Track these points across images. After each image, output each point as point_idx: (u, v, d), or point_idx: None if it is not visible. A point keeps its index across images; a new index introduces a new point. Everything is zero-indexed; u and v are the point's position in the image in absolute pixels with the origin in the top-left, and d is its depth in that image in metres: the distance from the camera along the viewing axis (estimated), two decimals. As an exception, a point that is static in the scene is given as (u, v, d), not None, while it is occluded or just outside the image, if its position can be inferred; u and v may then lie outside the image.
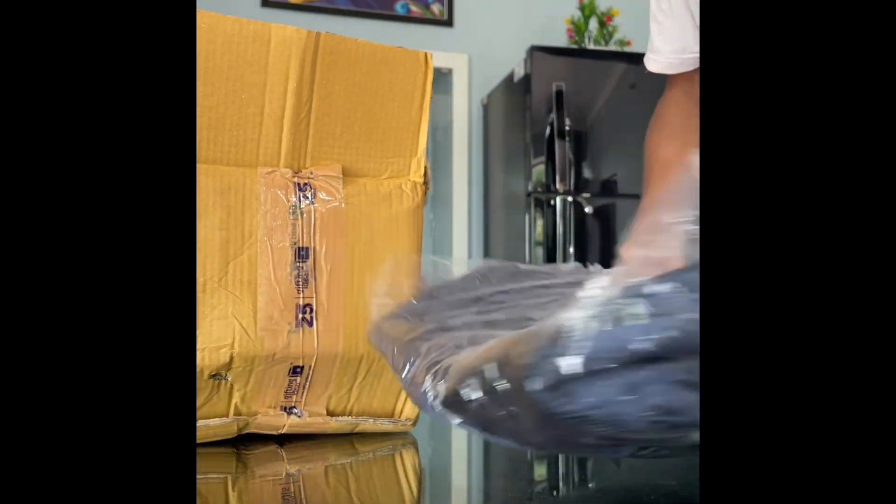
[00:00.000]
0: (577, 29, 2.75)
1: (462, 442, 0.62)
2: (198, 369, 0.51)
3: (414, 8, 2.85)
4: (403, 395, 0.61)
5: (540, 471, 0.54)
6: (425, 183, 0.62)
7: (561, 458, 0.59)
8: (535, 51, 2.45)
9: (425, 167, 0.62)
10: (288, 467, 0.53)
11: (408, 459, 0.57)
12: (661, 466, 0.55)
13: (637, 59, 2.55)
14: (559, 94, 2.40)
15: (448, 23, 2.88)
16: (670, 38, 0.80)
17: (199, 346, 0.51)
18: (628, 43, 2.78)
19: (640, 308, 0.34)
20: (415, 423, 0.63)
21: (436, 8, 2.88)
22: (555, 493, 0.47)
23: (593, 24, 2.80)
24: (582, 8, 2.76)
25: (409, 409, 0.62)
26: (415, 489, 0.49)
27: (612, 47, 2.75)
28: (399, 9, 2.83)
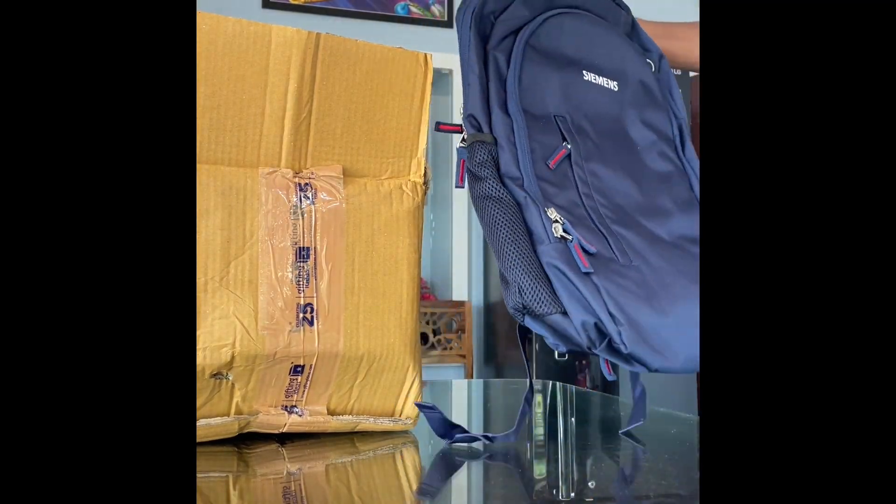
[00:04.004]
0: (577, 30, 2.74)
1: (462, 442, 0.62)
2: (199, 368, 0.51)
3: (414, 9, 2.85)
4: (404, 393, 0.61)
5: (540, 470, 0.54)
6: (425, 183, 0.62)
7: (561, 458, 0.59)
8: (535, 51, 2.45)
9: (425, 167, 0.62)
10: (289, 466, 0.53)
11: (408, 458, 0.57)
12: (661, 466, 0.55)
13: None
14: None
15: (448, 24, 2.88)
16: None
17: (200, 345, 0.51)
18: (628, 44, 2.77)
19: None
20: (415, 421, 0.63)
21: (436, 9, 2.88)
22: (555, 492, 0.47)
23: (593, 25, 2.79)
24: (581, 9, 2.76)
25: (410, 408, 0.62)
26: (415, 488, 0.49)
27: (612, 48, 2.74)
28: (399, 10, 2.83)
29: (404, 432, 0.63)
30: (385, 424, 0.62)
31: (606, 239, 0.59)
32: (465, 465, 0.58)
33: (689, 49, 0.88)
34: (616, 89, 0.69)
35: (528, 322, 0.55)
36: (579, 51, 0.68)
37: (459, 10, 0.65)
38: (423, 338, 2.51)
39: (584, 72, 0.68)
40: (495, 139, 0.60)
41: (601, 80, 0.69)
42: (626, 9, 0.76)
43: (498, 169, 0.59)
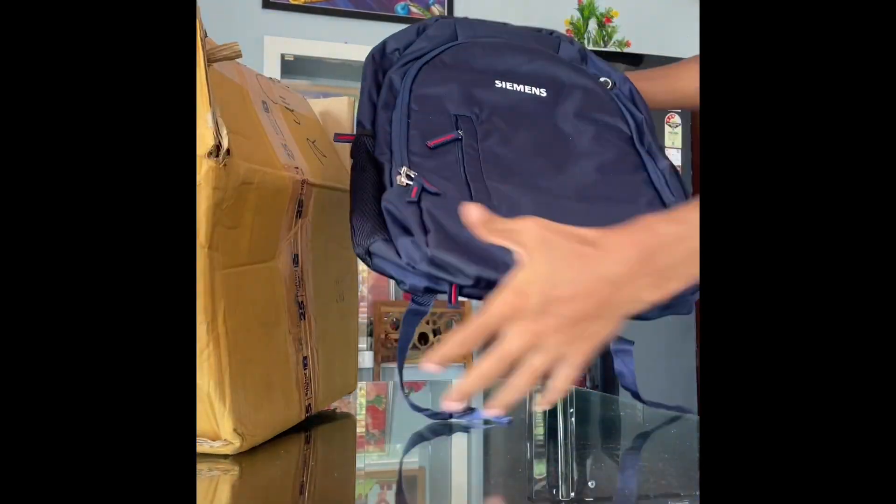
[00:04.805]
0: (577, 30, 2.75)
1: (462, 442, 0.62)
2: None
3: (414, 9, 2.85)
4: (221, 414, 0.52)
5: (540, 470, 0.54)
6: (215, 154, 0.49)
7: (561, 458, 0.59)
8: (535, 52, 2.45)
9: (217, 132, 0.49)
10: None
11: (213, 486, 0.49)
12: (661, 466, 0.55)
13: (636, 59, 2.55)
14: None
15: (448, 24, 2.88)
16: None
17: None
18: (627, 44, 2.78)
19: None
20: (237, 447, 0.53)
21: (436, 9, 2.88)
22: (554, 492, 0.47)
23: (592, 25, 2.80)
24: (581, 9, 2.77)
25: (227, 431, 0.52)
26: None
27: (612, 48, 2.75)
28: (399, 10, 2.83)
29: (223, 457, 0.54)
30: None
31: (469, 186, 0.59)
32: (465, 466, 0.58)
33: (666, 88, 0.92)
34: (544, 95, 0.70)
35: (376, 263, 0.56)
36: (490, 64, 0.70)
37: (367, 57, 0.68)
38: (423, 338, 2.50)
39: (496, 81, 0.69)
40: (374, 133, 0.62)
41: (521, 87, 0.69)
42: (568, 40, 0.79)
43: (370, 153, 0.61)
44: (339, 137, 0.65)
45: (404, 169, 0.58)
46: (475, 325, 0.46)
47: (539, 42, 0.77)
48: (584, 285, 0.44)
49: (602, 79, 0.75)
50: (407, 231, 0.55)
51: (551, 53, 0.76)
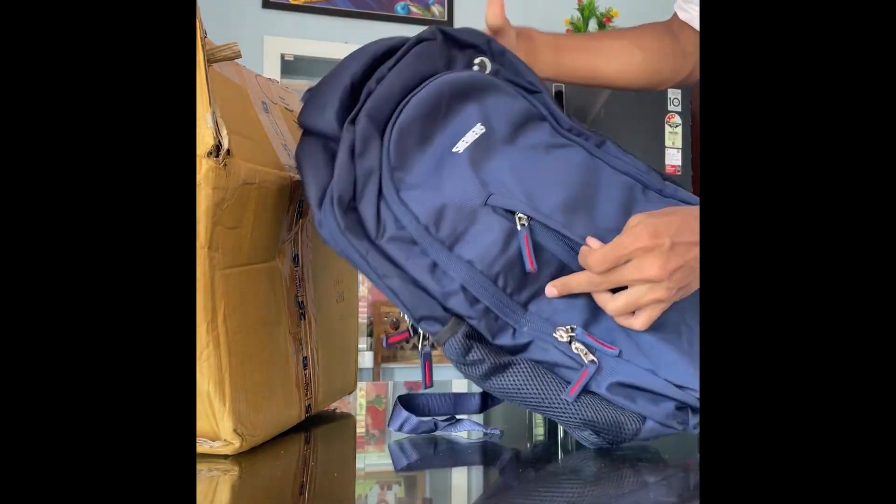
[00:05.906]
0: (577, 30, 2.75)
1: (462, 442, 0.62)
2: None
3: (414, 9, 2.85)
4: (221, 414, 0.52)
5: (540, 470, 0.54)
6: (215, 154, 0.49)
7: (561, 457, 0.59)
8: (535, 52, 2.45)
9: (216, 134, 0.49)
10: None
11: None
12: (661, 467, 0.55)
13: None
14: (559, 94, 2.40)
15: (448, 24, 2.88)
16: None
17: None
18: (628, 44, 2.78)
19: None
20: (236, 447, 0.53)
21: (436, 9, 2.88)
22: (554, 492, 0.47)
23: (592, 25, 2.80)
24: (581, 9, 2.77)
25: (227, 431, 0.53)
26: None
27: (612, 48, 2.75)
28: (399, 10, 2.83)
29: (223, 457, 0.54)
30: None
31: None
32: (466, 466, 0.58)
33: (588, 62, 0.85)
34: (484, 130, 0.57)
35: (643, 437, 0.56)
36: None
37: (316, 216, 0.52)
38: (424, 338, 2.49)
39: (452, 149, 0.56)
40: (460, 318, 0.52)
41: (466, 138, 0.57)
42: (472, 46, 0.68)
43: (490, 340, 0.53)
44: (391, 341, 0.59)
45: (562, 334, 0.55)
46: (609, 250, 0.51)
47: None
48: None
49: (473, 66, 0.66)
50: (663, 399, 0.55)
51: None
